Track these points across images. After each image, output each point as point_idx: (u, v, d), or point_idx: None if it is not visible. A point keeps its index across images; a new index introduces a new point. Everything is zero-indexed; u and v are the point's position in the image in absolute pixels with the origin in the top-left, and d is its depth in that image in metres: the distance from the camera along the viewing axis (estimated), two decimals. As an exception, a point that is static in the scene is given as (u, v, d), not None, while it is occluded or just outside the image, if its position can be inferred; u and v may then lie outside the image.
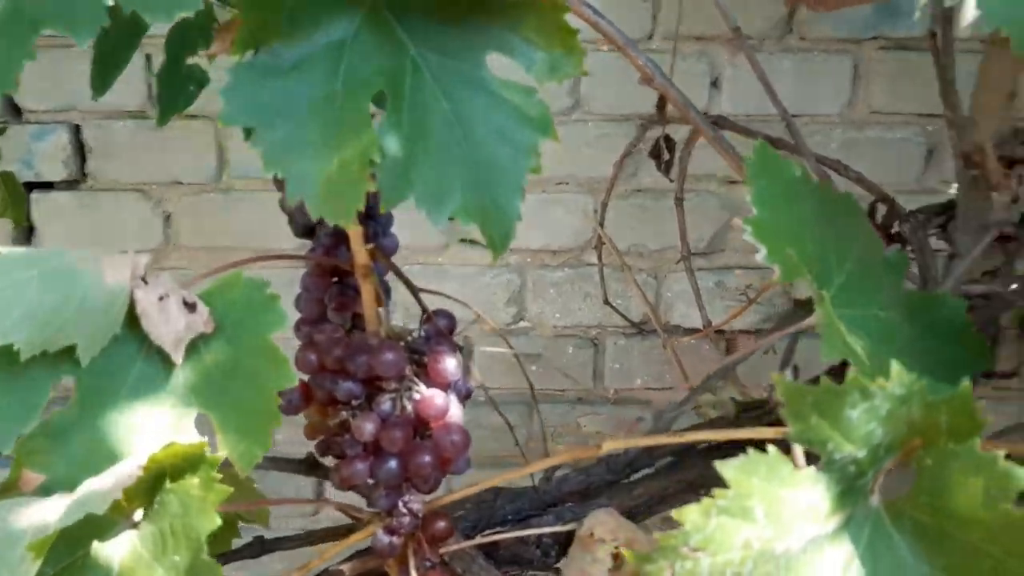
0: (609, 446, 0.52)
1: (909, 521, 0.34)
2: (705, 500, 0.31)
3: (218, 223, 1.28)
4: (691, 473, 0.66)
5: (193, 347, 0.48)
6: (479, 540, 0.61)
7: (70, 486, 0.44)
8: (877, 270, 0.54)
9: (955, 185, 1.27)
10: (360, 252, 0.59)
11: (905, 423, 0.32)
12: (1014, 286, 0.62)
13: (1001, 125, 0.83)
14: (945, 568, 0.32)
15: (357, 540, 0.57)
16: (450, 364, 0.54)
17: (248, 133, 0.44)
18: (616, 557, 0.59)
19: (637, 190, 1.26)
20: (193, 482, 0.41)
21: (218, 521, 0.40)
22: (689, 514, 0.31)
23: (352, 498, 0.60)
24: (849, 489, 0.33)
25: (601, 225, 1.16)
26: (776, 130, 0.88)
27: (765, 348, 1.24)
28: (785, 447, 0.50)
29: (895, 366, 0.32)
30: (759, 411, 0.68)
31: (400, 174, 0.44)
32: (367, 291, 0.60)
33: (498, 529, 0.64)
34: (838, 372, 0.61)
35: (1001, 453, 0.31)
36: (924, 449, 0.33)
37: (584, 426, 1.32)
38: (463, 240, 1.28)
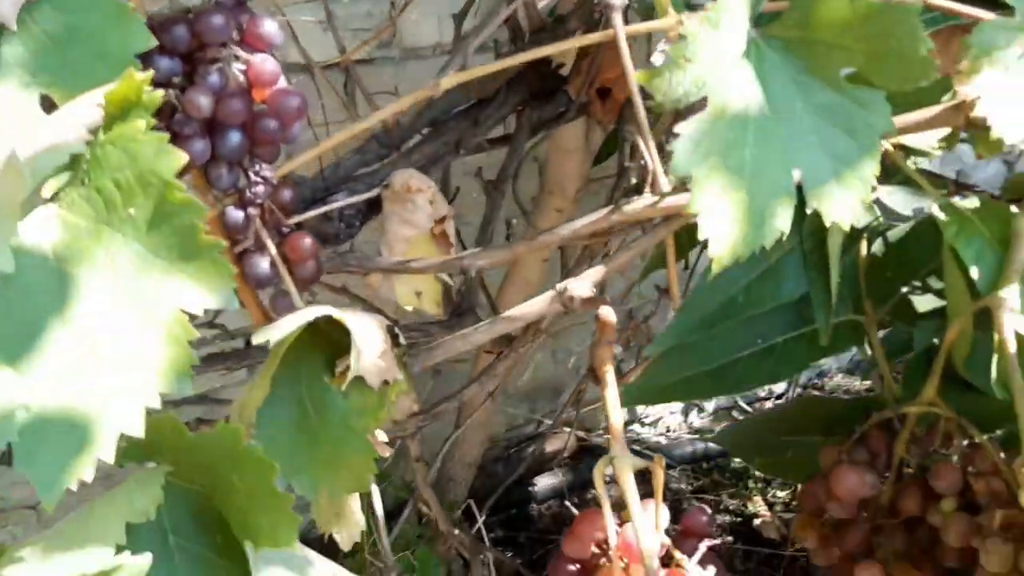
0: (446, 83, 0.56)
1: (779, 41, 0.44)
2: (701, 13, 0.38)
3: None
4: (453, 136, 0.73)
5: (19, 19, 0.41)
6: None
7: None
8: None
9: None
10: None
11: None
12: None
13: None
14: (807, 67, 0.44)
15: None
16: (272, 26, 0.53)
17: None
18: (432, 204, 0.64)
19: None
20: (137, 125, 0.37)
21: (184, 156, 0.37)
22: (691, 24, 0.38)
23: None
24: (754, 11, 0.43)
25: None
26: None
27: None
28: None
29: None
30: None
31: None
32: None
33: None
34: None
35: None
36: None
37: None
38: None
